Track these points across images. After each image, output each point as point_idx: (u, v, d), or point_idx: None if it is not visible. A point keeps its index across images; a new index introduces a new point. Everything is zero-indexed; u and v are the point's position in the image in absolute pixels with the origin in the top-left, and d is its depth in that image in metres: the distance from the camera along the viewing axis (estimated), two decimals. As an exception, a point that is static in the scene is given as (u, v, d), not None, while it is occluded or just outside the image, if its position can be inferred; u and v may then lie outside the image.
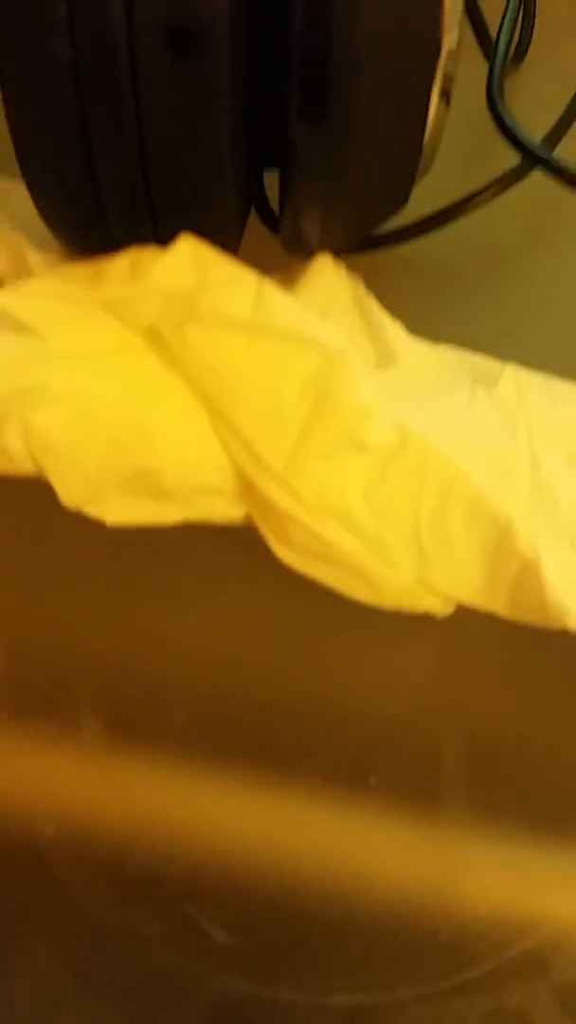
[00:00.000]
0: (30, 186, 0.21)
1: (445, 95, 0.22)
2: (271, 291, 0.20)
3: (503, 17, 0.27)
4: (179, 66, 0.19)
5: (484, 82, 0.28)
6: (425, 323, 0.24)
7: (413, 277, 0.27)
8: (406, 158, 0.22)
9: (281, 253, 0.24)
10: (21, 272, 0.22)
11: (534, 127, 0.27)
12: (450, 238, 0.27)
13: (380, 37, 0.19)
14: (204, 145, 0.20)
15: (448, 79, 0.22)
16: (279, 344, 0.20)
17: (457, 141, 0.28)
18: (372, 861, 0.21)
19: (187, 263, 0.20)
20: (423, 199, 0.26)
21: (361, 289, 0.24)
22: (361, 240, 0.26)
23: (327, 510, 0.21)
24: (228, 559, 0.23)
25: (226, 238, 0.22)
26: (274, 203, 0.25)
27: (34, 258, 0.23)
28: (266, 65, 0.20)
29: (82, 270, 0.21)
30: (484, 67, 0.29)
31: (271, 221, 0.25)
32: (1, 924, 0.20)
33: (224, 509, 0.22)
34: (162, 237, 0.21)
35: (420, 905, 0.20)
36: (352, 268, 0.25)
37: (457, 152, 0.29)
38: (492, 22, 0.30)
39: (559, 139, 0.27)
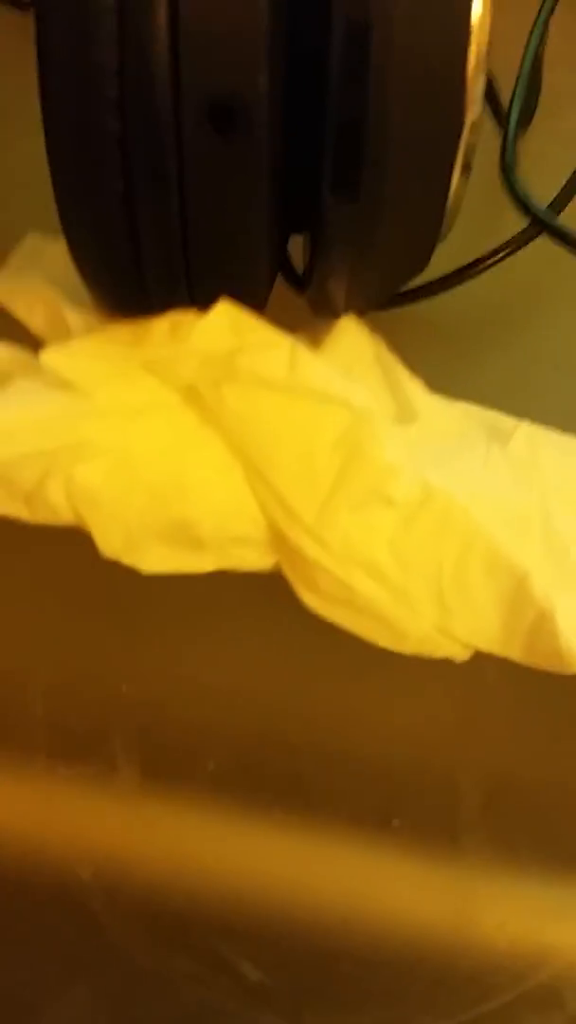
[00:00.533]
0: (72, 248, 0.22)
1: (466, 166, 0.23)
2: (304, 354, 0.21)
3: (515, 87, 0.28)
4: (221, 141, 0.20)
5: (492, 146, 0.29)
6: (438, 377, 0.26)
7: (427, 334, 0.28)
8: (429, 227, 0.23)
9: (304, 309, 0.25)
10: (58, 329, 0.23)
11: (540, 189, 0.28)
12: (462, 297, 0.28)
13: (410, 118, 0.20)
14: (242, 215, 0.21)
15: (470, 150, 0.23)
16: (312, 404, 0.21)
17: (467, 203, 0.29)
18: (396, 899, 0.21)
19: (225, 326, 0.21)
20: (435, 259, 0.27)
21: (383, 348, 0.25)
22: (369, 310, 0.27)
23: (354, 560, 0.22)
24: (256, 607, 0.24)
25: (256, 299, 0.23)
26: (296, 263, 0.26)
27: (71, 316, 0.23)
28: (301, 139, 0.21)
29: (124, 331, 0.22)
30: (492, 129, 0.30)
31: (295, 282, 0.26)
32: (40, 966, 0.20)
33: (255, 558, 0.23)
34: (196, 299, 0.22)
35: (441, 940, 0.21)
36: (368, 324, 0.26)
37: (467, 213, 0.31)
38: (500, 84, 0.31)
39: (565, 204, 0.29)
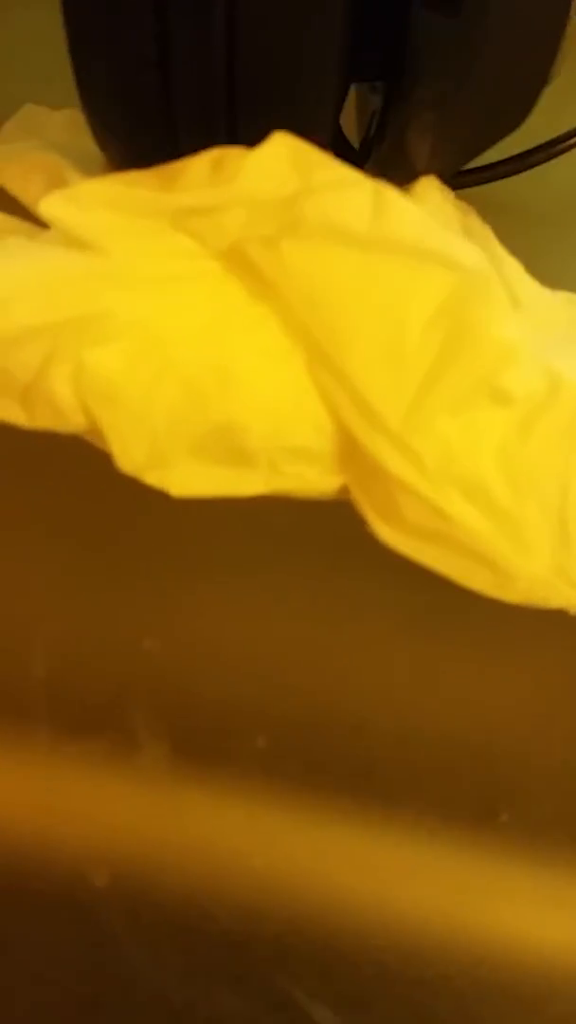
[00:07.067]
0: (81, 79, 0.17)
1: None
2: (394, 197, 0.16)
3: None
4: None
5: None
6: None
7: (503, 220, 0.24)
8: (540, 61, 0.18)
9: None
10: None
11: None
12: (538, 180, 0.23)
13: None
14: (305, 35, 0.16)
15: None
16: (404, 263, 0.16)
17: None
18: (510, 915, 0.17)
19: (285, 163, 0.16)
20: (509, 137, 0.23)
21: (474, 217, 0.20)
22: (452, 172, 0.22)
23: (452, 478, 0.17)
24: (320, 542, 0.19)
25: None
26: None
27: (78, 181, 0.19)
28: None
29: (149, 175, 0.17)
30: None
31: (344, 150, 0.21)
32: (43, 998, 0.15)
33: (317, 479, 0.18)
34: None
35: (572, 968, 0.16)
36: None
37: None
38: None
39: None
